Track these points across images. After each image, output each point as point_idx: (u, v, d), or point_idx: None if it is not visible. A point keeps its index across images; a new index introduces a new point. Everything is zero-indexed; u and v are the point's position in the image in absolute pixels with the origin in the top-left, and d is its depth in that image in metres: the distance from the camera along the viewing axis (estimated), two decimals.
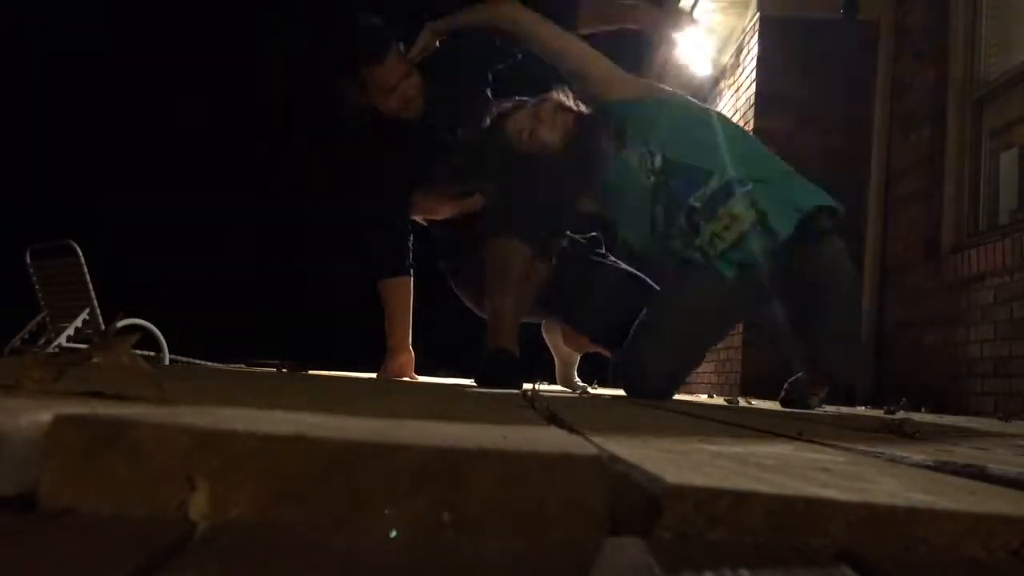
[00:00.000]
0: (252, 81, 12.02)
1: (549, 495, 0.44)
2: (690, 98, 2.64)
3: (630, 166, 2.45)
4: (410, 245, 2.76)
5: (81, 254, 6.19)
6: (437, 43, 2.63)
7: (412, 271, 2.77)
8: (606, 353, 2.91)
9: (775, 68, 5.26)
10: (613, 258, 2.89)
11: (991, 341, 3.59)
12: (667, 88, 2.68)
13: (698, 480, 0.44)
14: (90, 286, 6.18)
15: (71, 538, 0.38)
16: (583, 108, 2.64)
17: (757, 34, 5.41)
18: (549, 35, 2.53)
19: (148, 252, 11.00)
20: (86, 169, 11.39)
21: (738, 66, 5.80)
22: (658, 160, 2.40)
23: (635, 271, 2.84)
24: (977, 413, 3.41)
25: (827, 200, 2.34)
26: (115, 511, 0.42)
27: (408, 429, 0.56)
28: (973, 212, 4.11)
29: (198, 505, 0.42)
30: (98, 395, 0.70)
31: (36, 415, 0.45)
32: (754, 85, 5.30)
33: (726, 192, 2.30)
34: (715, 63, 6.34)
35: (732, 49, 6.05)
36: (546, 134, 2.55)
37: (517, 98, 2.68)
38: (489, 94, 2.79)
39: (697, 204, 2.34)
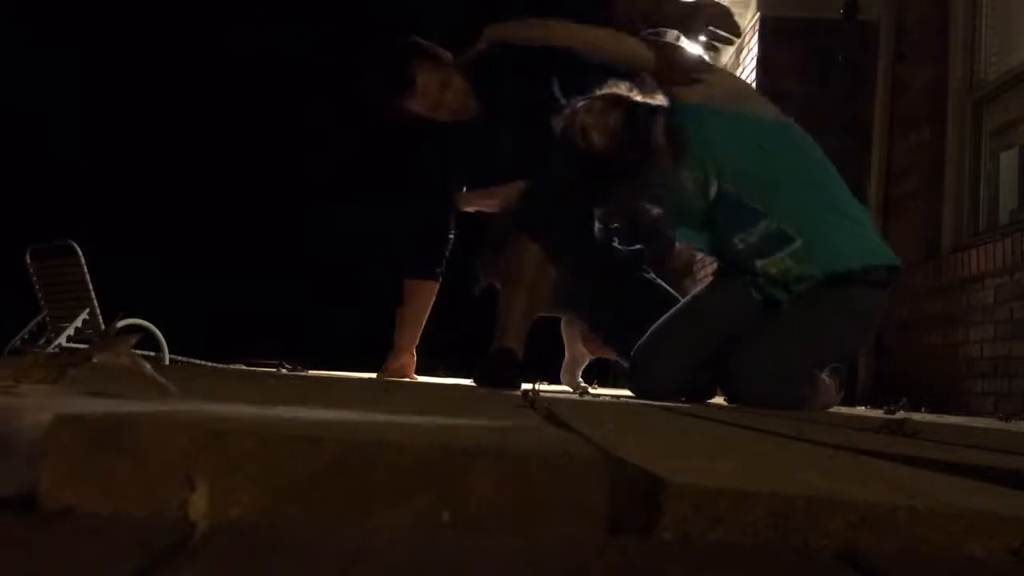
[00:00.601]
0: (253, 79, 12.03)
1: (549, 495, 0.44)
2: (769, 114, 2.33)
3: (683, 184, 2.32)
4: (446, 252, 2.74)
5: (81, 254, 6.19)
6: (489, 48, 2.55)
7: (440, 278, 2.75)
8: (623, 362, 2.92)
9: (775, 68, 5.26)
10: (653, 274, 2.87)
11: (991, 341, 3.59)
12: (751, 96, 2.42)
13: (698, 480, 0.44)
14: (90, 286, 6.18)
15: (71, 538, 0.38)
16: (650, 98, 2.43)
17: (757, 34, 5.41)
18: (613, 48, 2.34)
19: (148, 252, 11.00)
20: (86, 169, 11.39)
21: (738, 66, 5.80)
22: (713, 189, 2.27)
23: (674, 293, 2.81)
24: (977, 413, 3.41)
25: (880, 259, 2.23)
26: (115, 511, 0.42)
27: (408, 429, 0.56)
28: (973, 212, 4.11)
29: (198, 505, 0.42)
30: (98, 395, 0.70)
31: (36, 415, 0.45)
32: (754, 85, 5.30)
33: (774, 241, 2.21)
34: (715, 62, 6.33)
35: (732, 49, 6.06)
36: (595, 136, 2.40)
37: (580, 97, 2.53)
38: (556, 88, 2.68)
39: (741, 246, 2.26)
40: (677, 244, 2.84)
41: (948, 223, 4.17)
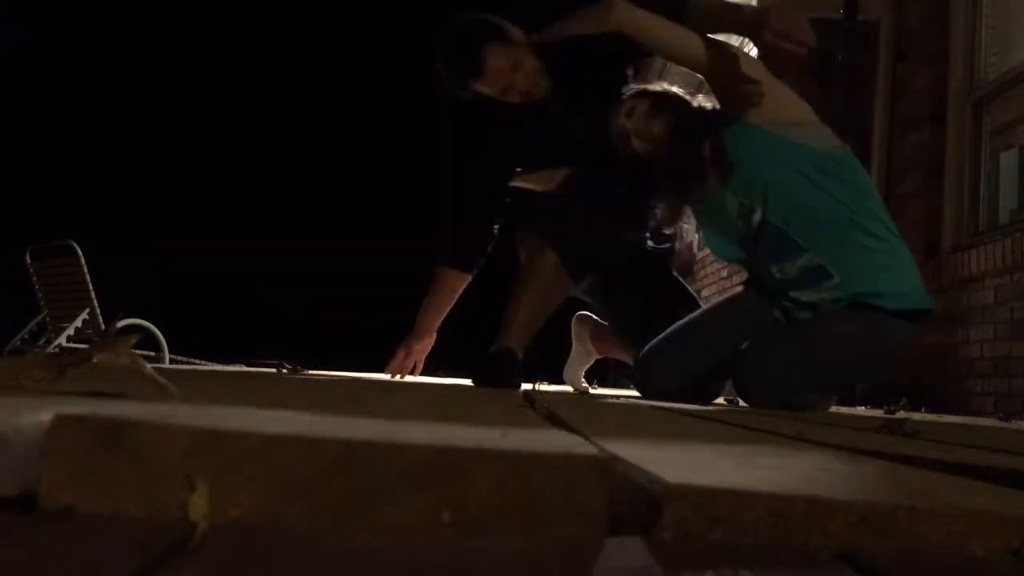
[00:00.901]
0: (252, 78, 12.02)
1: (549, 495, 0.44)
2: (826, 143, 2.21)
3: (726, 205, 2.25)
4: (488, 249, 2.66)
5: (81, 254, 6.19)
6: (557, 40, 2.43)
7: (474, 271, 2.67)
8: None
9: (775, 68, 5.25)
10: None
11: (991, 341, 3.60)
12: (810, 120, 2.24)
13: (698, 480, 0.44)
14: (90, 286, 6.18)
15: (71, 538, 0.38)
16: (704, 105, 2.34)
17: None
18: (686, 47, 2.23)
19: (148, 252, 11.00)
20: (86, 169, 11.39)
21: None
22: (757, 216, 2.20)
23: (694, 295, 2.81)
24: (977, 413, 3.41)
25: (915, 302, 2.15)
26: (115, 511, 0.42)
27: (408, 429, 0.56)
28: (973, 212, 4.11)
29: (198, 505, 0.42)
30: (98, 395, 0.70)
31: (36, 415, 0.45)
32: None
33: (812, 276, 2.16)
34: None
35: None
36: (637, 143, 2.30)
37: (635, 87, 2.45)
38: (631, 76, 2.64)
39: (778, 276, 2.22)
40: (678, 244, 2.83)
41: (948, 223, 4.18)
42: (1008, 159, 4.02)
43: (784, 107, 2.21)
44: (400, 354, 2.67)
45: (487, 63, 2.39)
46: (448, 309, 2.71)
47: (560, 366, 3.13)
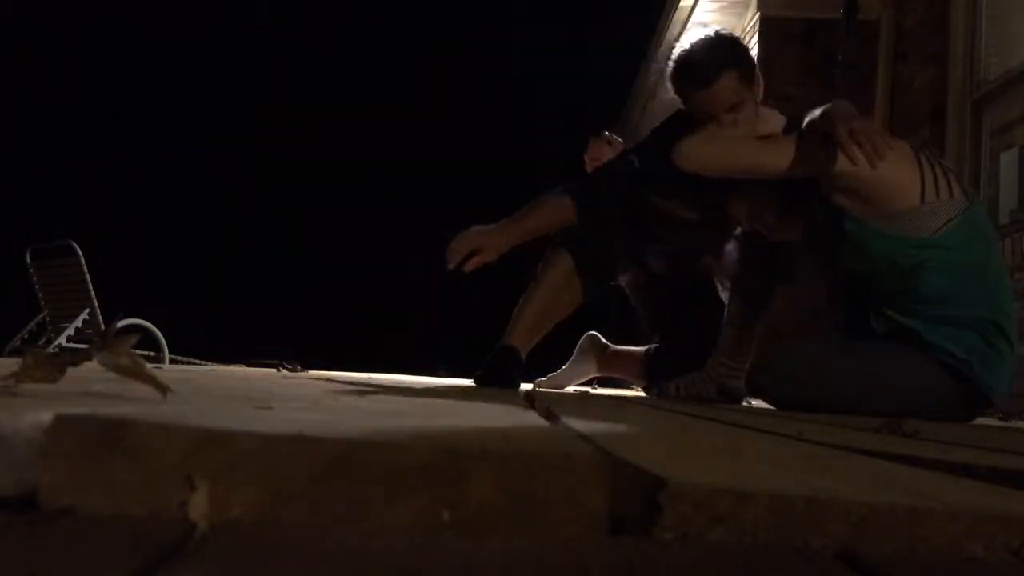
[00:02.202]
0: (251, 79, 12.02)
1: (549, 495, 0.44)
2: (924, 228, 2.03)
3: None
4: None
5: (81, 254, 6.19)
6: None
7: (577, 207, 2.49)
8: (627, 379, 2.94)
9: (775, 68, 5.26)
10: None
11: None
12: (908, 207, 2.04)
13: (698, 480, 0.44)
14: (90, 286, 6.18)
15: (71, 538, 0.38)
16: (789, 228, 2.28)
17: (757, 34, 5.41)
18: (759, 167, 2.15)
19: (148, 252, 11.01)
20: (86, 169, 11.39)
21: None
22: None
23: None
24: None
25: (981, 379, 2.06)
26: (115, 511, 0.42)
27: (408, 429, 0.56)
28: None
29: (198, 505, 0.42)
30: (98, 395, 0.70)
31: (36, 415, 0.45)
32: None
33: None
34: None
35: None
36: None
37: None
38: None
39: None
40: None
41: None
42: (1008, 159, 4.02)
43: (885, 195, 2.05)
44: (463, 241, 2.44)
45: (718, 81, 2.27)
46: (530, 236, 2.51)
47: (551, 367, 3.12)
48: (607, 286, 2.66)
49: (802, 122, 2.10)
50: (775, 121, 2.32)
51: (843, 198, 2.07)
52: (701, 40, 2.38)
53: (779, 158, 2.11)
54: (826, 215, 2.14)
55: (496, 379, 2.30)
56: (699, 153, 2.19)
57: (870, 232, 2.07)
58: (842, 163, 1.95)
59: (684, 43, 2.44)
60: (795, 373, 2.10)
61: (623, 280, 2.79)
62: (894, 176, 2.01)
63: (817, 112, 2.04)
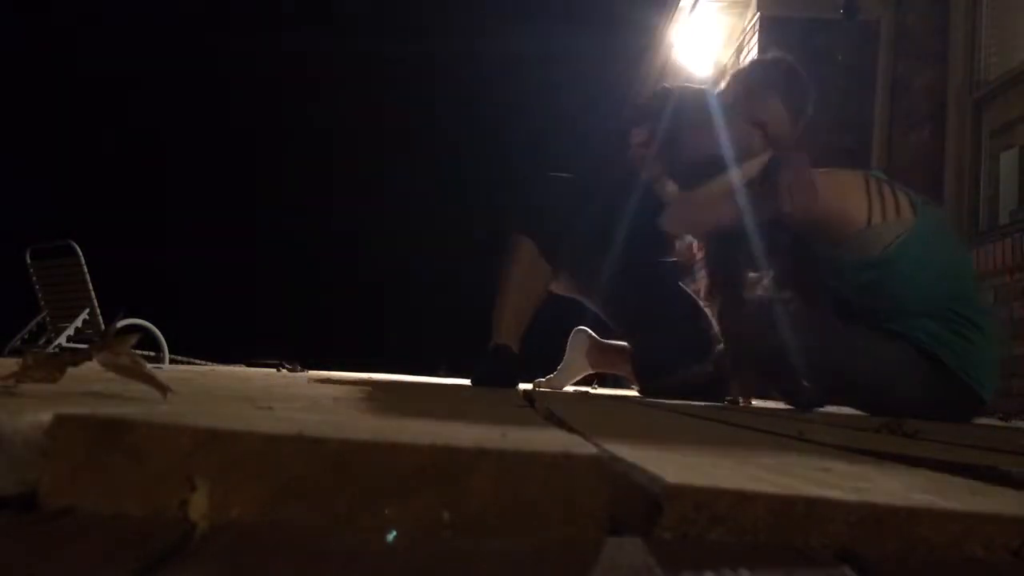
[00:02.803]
0: (251, 79, 12.01)
1: (549, 495, 0.44)
2: (874, 248, 2.21)
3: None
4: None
5: (81, 254, 6.20)
6: None
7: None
8: (624, 375, 2.92)
9: None
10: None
11: None
12: (854, 231, 2.23)
13: (698, 480, 0.44)
14: (90, 286, 6.19)
15: (71, 538, 0.38)
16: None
17: (757, 34, 5.41)
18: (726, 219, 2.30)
19: (148, 252, 11.00)
20: (86, 169, 11.39)
21: (738, 66, 5.80)
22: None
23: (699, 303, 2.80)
24: (978, 412, 3.41)
25: (970, 375, 2.21)
26: (115, 511, 0.42)
27: (408, 429, 0.56)
28: (973, 212, 4.11)
29: (198, 505, 0.42)
30: (98, 395, 0.70)
31: (36, 415, 0.45)
32: None
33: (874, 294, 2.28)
34: (715, 63, 6.34)
35: (732, 49, 6.06)
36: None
37: None
38: None
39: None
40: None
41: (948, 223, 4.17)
42: (1008, 159, 4.02)
43: (835, 223, 2.23)
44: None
45: (769, 106, 2.42)
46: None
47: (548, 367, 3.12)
48: (575, 257, 2.62)
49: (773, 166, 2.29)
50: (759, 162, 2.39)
51: (804, 229, 2.28)
52: (765, 63, 2.57)
53: (739, 209, 2.30)
54: (798, 245, 2.35)
55: (494, 379, 2.30)
56: (682, 220, 2.44)
57: (829, 255, 2.28)
58: (786, 206, 2.18)
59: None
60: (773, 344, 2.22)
61: (576, 292, 2.76)
62: (840, 205, 2.21)
63: (773, 165, 2.26)
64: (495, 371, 2.35)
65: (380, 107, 12.22)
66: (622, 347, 2.91)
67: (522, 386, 2.62)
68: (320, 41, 11.55)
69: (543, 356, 3.08)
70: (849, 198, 2.22)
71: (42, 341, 6.25)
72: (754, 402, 2.47)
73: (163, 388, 0.72)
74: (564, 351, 3.06)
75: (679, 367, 2.48)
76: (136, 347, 0.86)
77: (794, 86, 2.47)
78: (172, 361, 6.29)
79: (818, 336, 2.24)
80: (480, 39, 11.49)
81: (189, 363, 6.32)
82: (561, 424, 0.83)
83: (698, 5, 5.91)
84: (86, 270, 6.20)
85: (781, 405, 2.48)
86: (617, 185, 2.50)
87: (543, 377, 3.07)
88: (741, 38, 5.78)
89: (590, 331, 2.98)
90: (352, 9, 11.96)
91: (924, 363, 2.17)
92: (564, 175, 2.56)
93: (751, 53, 5.48)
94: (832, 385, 2.28)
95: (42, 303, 6.46)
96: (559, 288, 2.72)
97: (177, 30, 11.84)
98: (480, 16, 11.95)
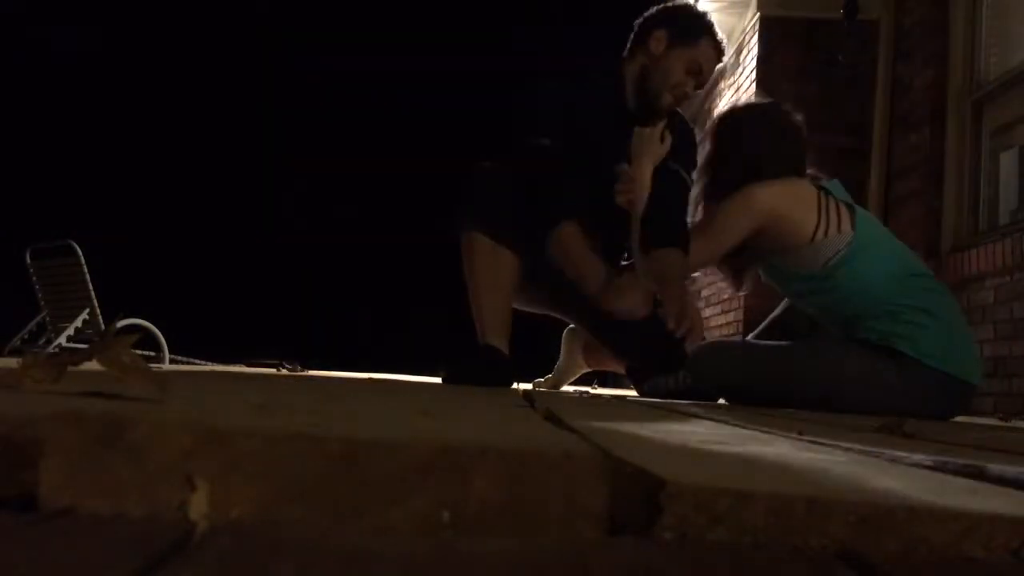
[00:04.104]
0: (250, 80, 12.02)
1: (549, 495, 0.44)
2: (815, 263, 2.30)
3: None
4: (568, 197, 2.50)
5: (81, 254, 6.20)
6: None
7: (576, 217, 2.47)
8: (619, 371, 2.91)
9: (775, 68, 5.26)
10: None
11: (991, 341, 3.59)
12: (795, 246, 2.32)
13: (698, 480, 0.44)
14: (90, 286, 6.19)
15: (71, 538, 0.38)
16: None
17: (757, 34, 5.41)
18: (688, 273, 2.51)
19: (148, 252, 11.00)
20: (86, 169, 11.39)
21: (738, 66, 5.80)
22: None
23: None
24: (977, 413, 3.41)
25: (941, 365, 2.23)
26: (115, 511, 0.42)
27: (408, 428, 0.56)
28: (973, 212, 4.11)
29: (198, 505, 0.42)
30: (98, 395, 0.70)
31: (36, 415, 0.45)
32: (754, 85, 5.30)
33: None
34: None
35: (732, 49, 6.05)
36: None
37: None
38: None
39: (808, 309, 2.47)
40: None
41: (948, 223, 4.17)
42: (1008, 159, 4.02)
43: (786, 232, 2.31)
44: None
45: (714, 48, 2.48)
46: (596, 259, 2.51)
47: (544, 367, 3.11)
48: (538, 239, 2.53)
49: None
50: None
51: (759, 241, 2.35)
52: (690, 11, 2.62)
53: (724, 236, 2.37)
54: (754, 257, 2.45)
55: (486, 379, 2.28)
56: (693, 262, 2.46)
57: (775, 266, 2.39)
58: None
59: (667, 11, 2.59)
60: (726, 368, 2.35)
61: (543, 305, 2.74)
62: (792, 217, 2.29)
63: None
64: (478, 370, 2.34)
65: (380, 108, 12.23)
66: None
67: (522, 386, 2.62)
68: (320, 42, 11.57)
69: (543, 356, 3.07)
70: (802, 213, 2.30)
71: (42, 341, 6.25)
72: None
73: (163, 388, 0.72)
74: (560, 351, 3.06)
75: (665, 370, 2.48)
76: (136, 347, 0.86)
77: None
78: (172, 361, 6.29)
79: (767, 370, 2.32)
80: (479, 39, 11.51)
81: (189, 363, 6.32)
82: (561, 424, 0.83)
83: (698, 5, 5.91)
84: (86, 270, 6.20)
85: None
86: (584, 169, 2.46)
87: (541, 377, 3.07)
88: (741, 38, 5.78)
89: (583, 330, 2.97)
90: (353, 17, 11.98)
91: (886, 361, 2.19)
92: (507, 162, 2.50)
93: (751, 53, 5.48)
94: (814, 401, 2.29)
95: (42, 303, 6.46)
96: (529, 305, 2.71)
97: (177, 31, 11.85)
98: (478, 17, 11.96)
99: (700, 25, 2.52)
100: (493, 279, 2.46)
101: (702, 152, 2.56)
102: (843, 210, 2.32)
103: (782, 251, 2.34)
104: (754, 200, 2.30)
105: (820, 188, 2.37)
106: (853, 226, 2.29)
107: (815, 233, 2.27)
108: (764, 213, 2.29)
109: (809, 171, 2.44)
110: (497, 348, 2.42)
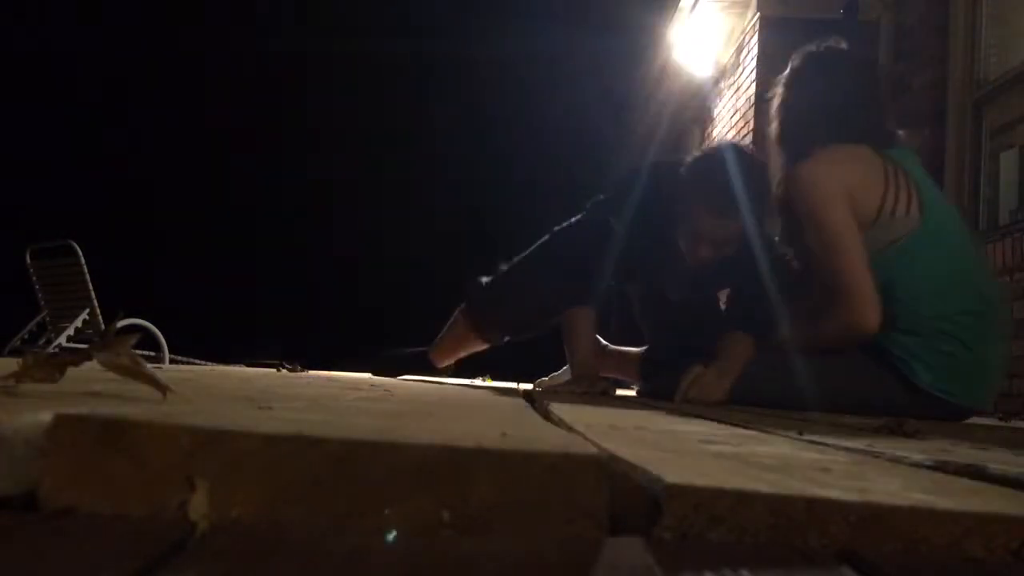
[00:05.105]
0: (250, 80, 12.01)
1: (549, 495, 0.44)
2: (887, 241, 2.01)
3: None
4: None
5: (81, 254, 6.20)
6: None
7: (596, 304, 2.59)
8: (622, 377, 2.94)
9: (775, 68, 5.25)
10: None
11: None
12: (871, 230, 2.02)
13: (698, 480, 0.44)
14: (90, 286, 6.19)
15: (71, 538, 0.38)
16: None
17: (757, 34, 5.41)
18: None
19: (148, 252, 11.00)
20: (86, 169, 11.39)
21: (738, 66, 5.81)
22: None
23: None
24: (977, 413, 3.41)
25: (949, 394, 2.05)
26: (115, 511, 0.42)
27: (408, 429, 0.56)
28: (973, 212, 4.11)
29: (198, 505, 0.42)
30: (98, 395, 0.70)
31: (36, 415, 0.45)
32: (754, 85, 5.30)
33: None
34: (715, 63, 6.34)
35: (732, 49, 6.05)
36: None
37: None
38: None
39: None
40: None
41: None
42: (1008, 159, 4.02)
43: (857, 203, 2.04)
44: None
45: (739, 223, 2.27)
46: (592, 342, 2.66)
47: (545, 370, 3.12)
48: (521, 332, 2.79)
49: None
50: None
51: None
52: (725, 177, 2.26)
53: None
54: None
55: (393, 368, 2.65)
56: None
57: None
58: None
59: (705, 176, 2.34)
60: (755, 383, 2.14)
61: (630, 290, 2.84)
62: (860, 185, 1.98)
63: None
64: (397, 363, 2.68)
65: (380, 108, 12.22)
66: (623, 351, 2.91)
67: (522, 386, 2.62)
68: (319, 42, 11.56)
69: (543, 356, 3.07)
70: (868, 182, 1.98)
71: (42, 341, 6.25)
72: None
73: (163, 388, 0.72)
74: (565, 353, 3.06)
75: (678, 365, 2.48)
76: (136, 347, 0.86)
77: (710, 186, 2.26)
78: (172, 361, 6.29)
79: (780, 380, 2.10)
80: (478, 38, 11.49)
81: (189, 363, 6.32)
82: (561, 424, 0.83)
83: (698, 5, 5.91)
84: (86, 270, 6.20)
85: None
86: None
87: (546, 378, 3.07)
88: (741, 38, 5.78)
89: (597, 336, 2.99)
90: (347, 9, 11.98)
91: (890, 378, 2.01)
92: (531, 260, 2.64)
93: (751, 53, 5.48)
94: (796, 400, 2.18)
95: (42, 303, 6.46)
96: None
97: (178, 30, 11.84)
98: (476, 15, 11.95)
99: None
100: (456, 346, 2.82)
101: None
102: (913, 190, 1.99)
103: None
104: (817, 178, 1.97)
105: (884, 156, 2.04)
106: (922, 210, 1.97)
107: (882, 207, 1.95)
108: (841, 185, 1.97)
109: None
110: (430, 361, 2.79)
